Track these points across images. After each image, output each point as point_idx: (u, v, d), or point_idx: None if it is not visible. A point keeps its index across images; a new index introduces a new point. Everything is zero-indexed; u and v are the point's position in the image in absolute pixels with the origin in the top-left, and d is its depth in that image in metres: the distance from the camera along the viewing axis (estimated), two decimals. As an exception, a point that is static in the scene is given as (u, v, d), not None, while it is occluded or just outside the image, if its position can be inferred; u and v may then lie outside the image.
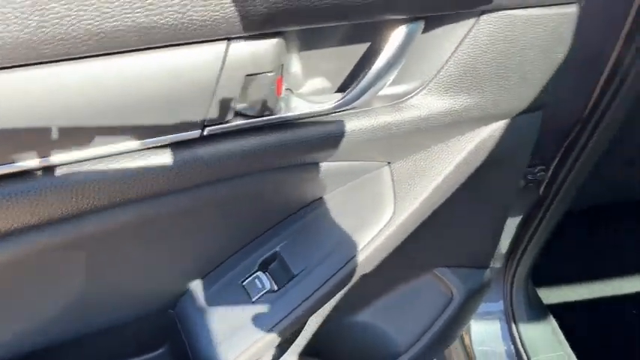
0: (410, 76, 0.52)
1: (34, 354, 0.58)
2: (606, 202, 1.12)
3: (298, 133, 0.49)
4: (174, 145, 0.45)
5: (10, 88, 0.36)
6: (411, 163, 0.60)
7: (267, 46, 0.42)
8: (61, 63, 0.37)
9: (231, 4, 0.38)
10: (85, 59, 0.37)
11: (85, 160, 0.43)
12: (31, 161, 0.40)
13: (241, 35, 0.41)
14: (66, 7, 0.33)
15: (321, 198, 0.62)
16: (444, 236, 0.72)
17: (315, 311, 0.64)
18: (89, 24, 0.35)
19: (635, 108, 0.84)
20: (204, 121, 0.45)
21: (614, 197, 1.12)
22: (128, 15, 0.36)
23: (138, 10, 0.36)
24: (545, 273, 1.16)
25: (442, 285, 0.79)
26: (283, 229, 0.62)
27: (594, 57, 0.74)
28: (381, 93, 0.51)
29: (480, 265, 0.80)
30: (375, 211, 0.62)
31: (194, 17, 0.38)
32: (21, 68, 0.35)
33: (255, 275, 0.62)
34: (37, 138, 0.39)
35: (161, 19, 0.37)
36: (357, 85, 0.48)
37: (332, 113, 0.50)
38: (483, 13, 0.49)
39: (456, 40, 0.50)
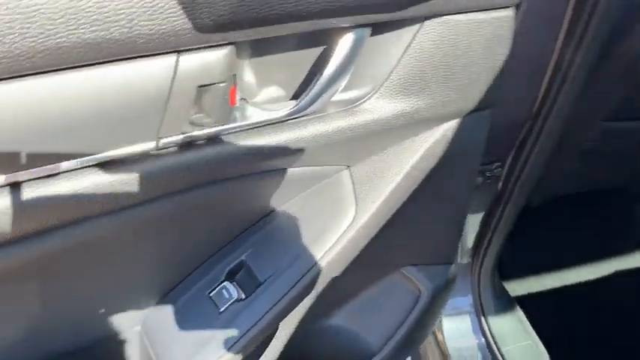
0: (361, 81, 0.54)
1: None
2: (563, 193, 1.17)
3: (254, 142, 0.50)
4: (129, 159, 0.45)
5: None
6: (369, 165, 0.62)
7: (217, 56, 0.43)
8: (5, 81, 0.36)
9: (179, 18, 0.39)
10: (30, 76, 0.37)
11: (38, 179, 0.43)
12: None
13: (191, 47, 0.42)
14: (8, 25, 0.33)
15: (283, 204, 0.63)
16: (407, 235, 0.74)
17: (284, 317, 0.65)
18: (33, 41, 0.35)
19: (580, 101, 0.90)
20: (159, 133, 0.45)
21: (571, 188, 1.17)
22: (73, 31, 0.36)
23: (83, 27, 0.36)
24: (510, 266, 1.20)
25: (410, 283, 0.81)
26: (248, 237, 0.63)
27: (539, 55, 0.78)
28: (334, 99, 0.53)
29: (444, 262, 0.82)
30: (337, 215, 0.63)
31: (141, 31, 0.38)
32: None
33: (222, 285, 0.62)
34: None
35: (107, 35, 0.37)
36: (309, 92, 0.50)
37: (287, 120, 0.51)
38: (427, 19, 0.52)
39: (403, 45, 0.53)
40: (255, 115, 0.50)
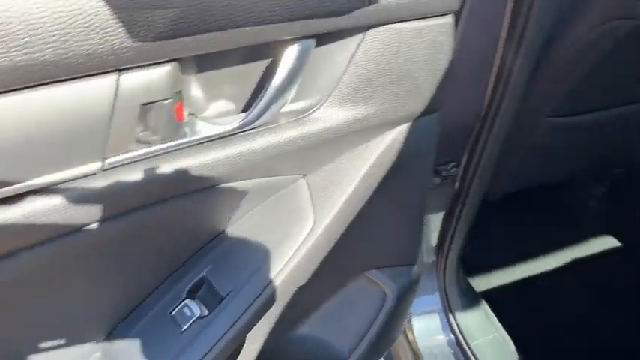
0: (310, 91, 0.55)
1: None
2: (519, 188, 1.22)
3: (205, 157, 0.50)
4: (75, 182, 0.44)
5: None
6: (324, 173, 0.63)
7: (160, 73, 0.43)
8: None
9: (117, 36, 0.39)
10: None
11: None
12: None
13: (132, 65, 0.42)
14: None
15: (241, 217, 0.62)
16: (368, 239, 0.75)
17: (249, 330, 0.64)
18: (-39, 66, 0.34)
19: (525, 100, 0.94)
20: (104, 153, 0.44)
21: (526, 183, 1.22)
22: (4, 55, 0.35)
23: (15, 50, 0.35)
24: (474, 261, 1.24)
25: (375, 286, 0.82)
26: (207, 253, 0.62)
27: (483, 59, 0.82)
28: (283, 110, 0.53)
29: (407, 263, 0.84)
30: (296, 224, 0.64)
31: (77, 52, 0.38)
32: None
33: (183, 303, 0.61)
34: None
35: (42, 57, 0.36)
36: (257, 104, 0.50)
37: (237, 134, 0.52)
38: (370, 28, 0.53)
39: (349, 55, 0.54)
40: (204, 129, 0.50)
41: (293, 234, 0.63)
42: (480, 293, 1.20)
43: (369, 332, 0.83)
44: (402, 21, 0.54)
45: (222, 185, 0.55)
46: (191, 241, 0.61)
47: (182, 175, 0.50)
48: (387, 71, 0.56)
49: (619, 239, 1.36)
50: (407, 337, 1.11)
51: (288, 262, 0.63)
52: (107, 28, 0.38)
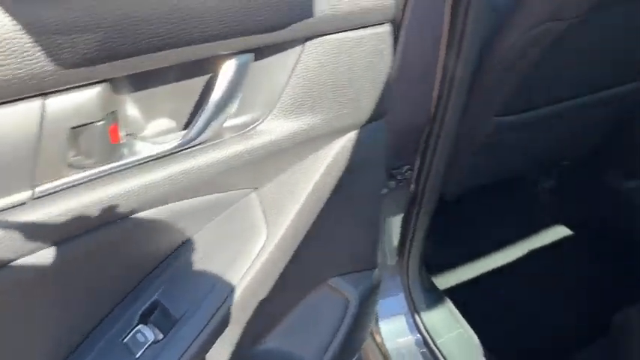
0: (253, 104, 0.55)
1: None
2: (474, 185, 1.26)
3: (147, 177, 0.49)
4: (3, 212, 0.42)
5: None
6: (275, 185, 0.63)
7: (89, 95, 0.42)
8: None
9: (38, 60, 0.37)
10: None
11: None
12: None
13: (58, 89, 0.40)
14: None
15: (192, 236, 0.61)
16: (326, 248, 0.75)
17: (207, 350, 0.63)
18: None
19: (472, 101, 0.97)
20: (34, 180, 0.42)
21: (480, 180, 1.26)
22: None
23: None
24: (436, 260, 1.26)
25: (337, 294, 0.82)
26: (159, 275, 0.60)
27: (427, 64, 0.85)
28: (227, 124, 0.53)
29: (368, 267, 0.84)
30: (249, 239, 0.63)
31: (-5, 78, 0.36)
32: None
33: (136, 329, 0.59)
34: None
35: (-45, 84, 0.35)
36: (197, 121, 0.49)
37: (179, 151, 0.51)
38: (308, 39, 0.54)
39: (289, 67, 0.54)
40: (144, 149, 0.49)
41: (247, 249, 0.63)
42: (443, 291, 1.22)
43: (334, 341, 0.83)
44: (339, 31, 0.55)
45: (168, 205, 0.54)
46: (140, 265, 0.59)
47: (122, 197, 0.48)
48: (329, 81, 0.57)
49: (570, 228, 1.43)
50: (375, 339, 1.12)
51: (244, 278, 0.62)
52: (27, 52, 0.36)
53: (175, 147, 0.49)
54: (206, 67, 0.50)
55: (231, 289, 0.62)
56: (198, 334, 0.60)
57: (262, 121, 0.55)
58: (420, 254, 1.11)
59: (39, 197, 0.43)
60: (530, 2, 0.89)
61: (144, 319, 0.59)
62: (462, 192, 1.23)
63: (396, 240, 1.11)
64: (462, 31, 0.77)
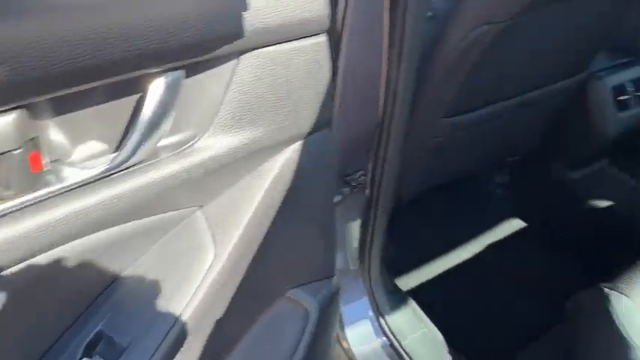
0: (189, 122, 0.53)
1: None
2: (429, 186, 1.28)
3: (76, 204, 0.46)
4: None
5: None
6: (221, 202, 0.61)
7: (4, 123, 0.39)
8: None
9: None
10: None
11: None
12: None
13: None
14: None
15: (136, 260, 0.59)
16: (281, 260, 0.75)
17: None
18: None
19: (419, 105, 1.00)
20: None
21: (435, 181, 1.29)
22: None
23: None
24: (398, 262, 1.28)
25: (296, 305, 0.81)
26: (102, 303, 0.58)
27: (371, 71, 0.86)
28: (161, 143, 0.51)
29: (326, 276, 0.84)
30: (196, 258, 0.61)
31: None
32: None
33: (80, 363, 0.56)
34: None
35: None
36: (127, 142, 0.48)
37: (111, 174, 0.49)
38: (242, 53, 0.53)
39: (224, 82, 0.53)
40: (72, 175, 0.47)
41: (194, 269, 0.61)
42: (407, 292, 1.24)
43: (297, 353, 0.82)
44: (274, 44, 0.55)
45: (106, 230, 0.52)
46: (81, 295, 0.56)
47: (51, 226, 0.46)
48: (267, 94, 0.57)
49: (525, 220, 1.48)
50: (342, 346, 1.11)
51: (193, 299, 0.61)
52: None
53: (105, 170, 0.48)
54: (134, 86, 0.48)
55: (180, 312, 0.60)
56: (148, 361, 0.58)
57: (200, 139, 0.54)
58: (380, 257, 1.12)
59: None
60: (467, 7, 0.92)
61: (88, 352, 0.57)
62: (419, 193, 1.26)
63: (356, 245, 1.11)
64: (401, 38, 0.79)
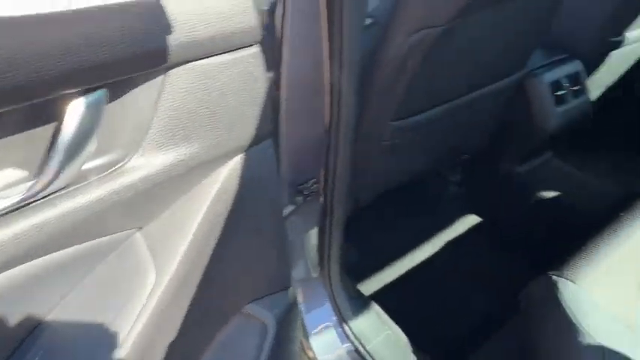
0: (117, 142, 0.51)
1: None
2: (384, 189, 1.30)
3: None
4: None
5: None
6: (161, 221, 0.59)
7: None
8: None
9: None
10: None
11: None
12: None
13: None
14: None
15: (70, 291, 0.56)
16: (231, 276, 0.73)
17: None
18: None
19: (367, 109, 1.01)
20: None
21: (389, 184, 1.30)
22: None
23: None
24: (358, 267, 1.28)
25: (253, 320, 0.80)
26: (35, 340, 0.54)
27: (315, 78, 0.86)
28: (87, 166, 0.49)
29: (281, 288, 0.83)
30: (136, 283, 0.59)
31: None
32: None
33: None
34: None
35: None
36: (46, 167, 0.45)
37: (31, 203, 0.46)
38: (170, 69, 0.52)
39: (152, 99, 0.52)
40: (-14, 206, 0.44)
41: (135, 294, 0.59)
42: (370, 296, 1.24)
43: (257, 368, 0.81)
44: (203, 57, 0.54)
45: (34, 261, 0.49)
46: (11, 333, 0.52)
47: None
48: (201, 109, 0.55)
49: (478, 216, 1.52)
50: (307, 355, 1.10)
51: (135, 326, 0.58)
52: None
53: (24, 199, 0.45)
54: (52, 108, 0.46)
55: (121, 341, 0.57)
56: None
57: (130, 159, 0.52)
58: (340, 263, 1.12)
59: None
60: (406, 12, 0.94)
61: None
62: (375, 196, 1.27)
63: (315, 252, 1.11)
64: (340, 47, 0.79)
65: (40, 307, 0.54)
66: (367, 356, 1.08)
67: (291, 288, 0.85)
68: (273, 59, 0.82)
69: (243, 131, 0.62)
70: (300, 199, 0.96)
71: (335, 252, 1.09)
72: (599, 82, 1.42)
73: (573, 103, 1.32)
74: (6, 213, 0.44)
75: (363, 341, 1.10)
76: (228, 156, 0.61)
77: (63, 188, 0.47)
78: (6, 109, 0.41)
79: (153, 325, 0.60)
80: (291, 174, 0.96)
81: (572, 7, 1.35)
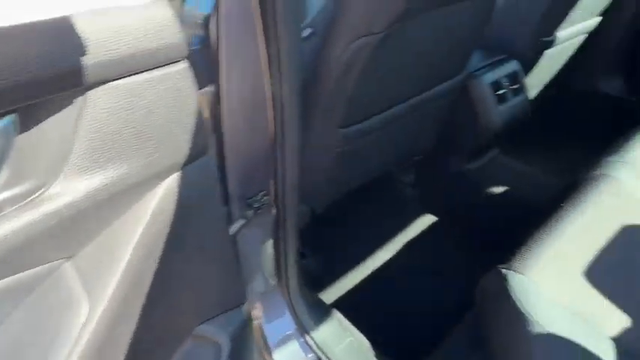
0: (34, 169, 0.49)
1: None
2: (340, 195, 1.30)
3: None
4: None
5: None
6: (92, 248, 0.57)
7: None
8: None
9: None
10: None
11: None
12: None
13: None
14: None
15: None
16: (180, 298, 0.71)
17: None
18: None
19: (311, 117, 1.01)
20: None
21: (343, 189, 1.31)
22: None
23: None
24: (318, 275, 1.28)
25: (206, 341, 0.78)
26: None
27: (256, 91, 0.85)
28: (1, 197, 0.46)
29: (235, 305, 0.81)
30: (66, 315, 0.56)
31: None
32: None
33: None
34: None
35: None
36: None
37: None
38: (89, 89, 0.50)
39: (71, 122, 0.49)
40: None
41: (65, 328, 0.55)
42: (332, 303, 1.24)
43: (213, 390, 0.78)
44: (126, 76, 0.52)
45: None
46: None
47: None
48: (126, 129, 0.53)
49: (435, 215, 1.56)
50: (270, 371, 1.08)
51: (71, 358, 0.55)
52: None
53: None
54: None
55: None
56: None
57: (50, 186, 0.49)
58: (297, 273, 1.11)
59: None
60: (344, 21, 0.95)
61: None
62: (331, 203, 1.27)
63: (271, 265, 1.09)
64: (278, 57, 0.79)
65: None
66: (331, 365, 1.08)
67: (245, 304, 0.84)
68: (210, 73, 0.80)
69: (176, 149, 0.60)
70: (250, 212, 0.95)
71: (291, 262, 1.08)
72: (536, 81, 1.50)
73: (513, 101, 1.38)
74: None
75: (325, 350, 1.09)
76: (161, 176, 0.60)
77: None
78: None
79: (92, 354, 0.57)
80: (240, 188, 0.94)
81: (507, 10, 1.41)
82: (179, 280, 0.68)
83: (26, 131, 0.46)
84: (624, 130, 1.24)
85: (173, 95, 0.57)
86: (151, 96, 0.55)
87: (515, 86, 1.38)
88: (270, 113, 0.87)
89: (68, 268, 0.56)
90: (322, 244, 1.37)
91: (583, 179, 1.10)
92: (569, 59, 1.57)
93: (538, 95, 1.55)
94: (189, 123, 0.60)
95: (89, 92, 0.50)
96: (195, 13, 0.81)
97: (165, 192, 0.61)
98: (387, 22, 0.95)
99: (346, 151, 1.16)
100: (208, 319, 0.77)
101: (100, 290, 0.57)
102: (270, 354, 1.08)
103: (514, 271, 0.95)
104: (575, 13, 1.42)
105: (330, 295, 1.31)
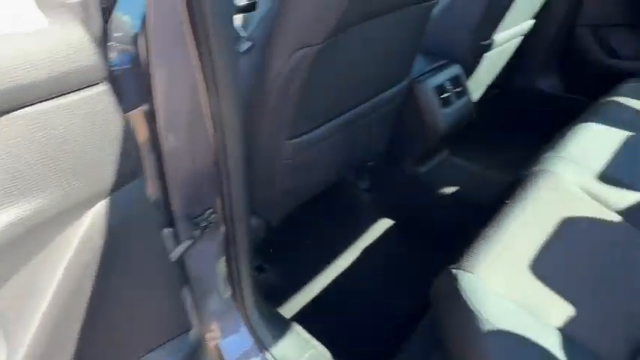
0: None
1: None
2: (295, 206, 1.30)
3: None
4: None
5: None
6: (11, 287, 0.53)
7: None
8: None
9: None
10: None
11: None
12: None
13: None
14: None
15: None
16: (119, 329, 0.68)
17: None
18: None
19: (256, 133, 1.00)
20: None
21: (297, 200, 1.30)
22: None
23: None
24: (276, 288, 1.26)
25: (154, 371, 0.75)
26: None
27: (194, 109, 0.83)
28: None
29: (181, 331, 0.79)
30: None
31: None
32: None
33: None
34: None
35: None
36: None
37: None
38: (-3, 118, 0.47)
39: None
40: None
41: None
42: (293, 316, 1.22)
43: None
44: (37, 102, 0.49)
45: None
46: None
47: None
48: (42, 158, 0.51)
49: (392, 219, 1.58)
50: (230, 390, 1.06)
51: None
52: None
53: None
54: None
55: None
56: None
57: (-45, 224, 0.46)
58: (252, 290, 1.09)
59: None
60: (282, 33, 0.95)
61: None
62: (286, 214, 1.26)
63: (225, 282, 1.07)
64: (213, 73, 0.78)
65: None
66: (293, 379, 1.06)
67: (195, 327, 0.81)
68: (143, 91, 0.78)
69: (100, 177, 0.58)
70: (197, 232, 0.92)
71: (245, 278, 1.06)
72: (478, 83, 1.55)
73: (458, 103, 1.42)
74: None
75: (286, 364, 1.08)
76: (86, 205, 0.57)
77: None
78: None
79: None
80: (185, 207, 0.92)
81: (445, 16, 1.46)
82: (116, 311, 0.65)
83: None
84: (562, 126, 1.30)
85: (91, 120, 0.55)
86: (66, 122, 0.52)
87: (458, 89, 1.43)
88: (209, 132, 0.86)
89: (-16, 311, 0.52)
90: (280, 257, 1.35)
91: (524, 175, 1.14)
92: (508, 61, 1.63)
93: (481, 97, 1.60)
94: (112, 148, 0.58)
95: None
96: (122, 30, 0.79)
97: (92, 220, 0.58)
98: (324, 33, 0.96)
99: (297, 162, 1.15)
100: (154, 348, 0.74)
101: (21, 332, 0.53)
102: (230, 374, 1.06)
103: (463, 270, 0.97)
104: (510, 17, 1.48)
105: (292, 307, 1.30)
